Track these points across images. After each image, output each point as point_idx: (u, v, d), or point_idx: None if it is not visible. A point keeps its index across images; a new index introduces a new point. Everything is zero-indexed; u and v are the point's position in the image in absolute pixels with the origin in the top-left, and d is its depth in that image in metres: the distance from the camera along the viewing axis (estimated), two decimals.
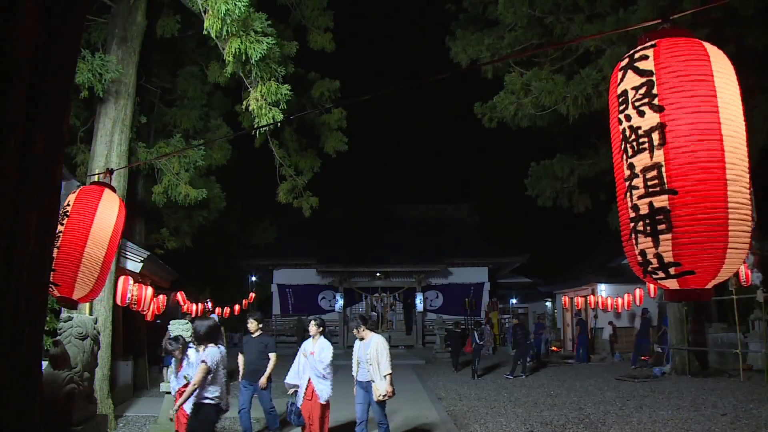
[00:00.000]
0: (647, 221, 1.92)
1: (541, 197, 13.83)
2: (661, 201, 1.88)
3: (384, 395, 5.80)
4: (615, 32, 8.72)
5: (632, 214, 1.98)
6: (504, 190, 31.38)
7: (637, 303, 15.54)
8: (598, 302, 17.11)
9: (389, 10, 50.94)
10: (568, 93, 10.29)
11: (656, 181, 1.89)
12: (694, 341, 13.89)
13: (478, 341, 14.26)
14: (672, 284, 1.94)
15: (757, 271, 11.24)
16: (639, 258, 1.98)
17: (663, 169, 1.88)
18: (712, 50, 1.95)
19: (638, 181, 1.95)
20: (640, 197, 1.94)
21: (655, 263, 1.92)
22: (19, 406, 1.66)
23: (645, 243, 1.94)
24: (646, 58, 1.97)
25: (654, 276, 1.96)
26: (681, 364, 13.54)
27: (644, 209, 1.93)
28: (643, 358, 15.44)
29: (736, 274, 11.75)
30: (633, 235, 1.99)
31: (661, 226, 1.88)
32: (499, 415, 8.67)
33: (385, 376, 5.81)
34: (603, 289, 18.56)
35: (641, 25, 2.19)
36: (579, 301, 20.44)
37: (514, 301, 26.65)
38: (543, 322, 20.59)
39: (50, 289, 3.35)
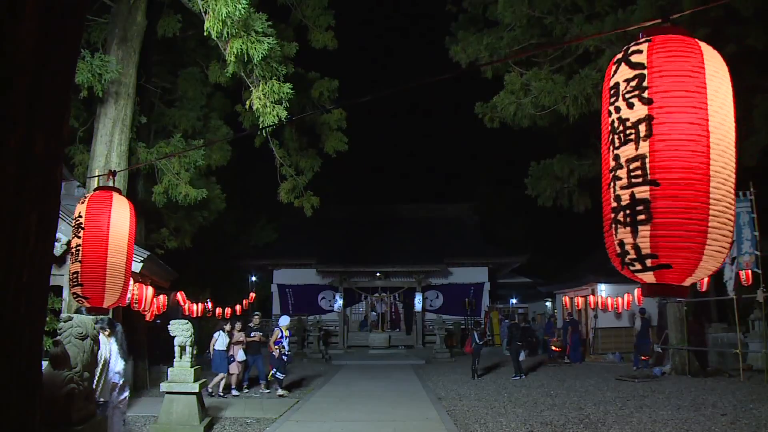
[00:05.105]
0: (627, 211, 1.92)
1: (541, 197, 13.83)
2: (643, 192, 1.89)
3: None
4: (614, 32, 8.73)
5: (614, 205, 1.99)
6: (504, 190, 31.36)
7: (638, 303, 15.52)
8: (598, 302, 17.08)
9: (389, 10, 50.84)
10: (567, 93, 10.29)
11: (639, 172, 1.90)
12: (694, 341, 13.88)
13: (478, 341, 14.24)
14: (648, 278, 1.94)
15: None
16: (617, 249, 1.97)
17: (647, 161, 1.88)
18: (707, 49, 1.96)
19: (622, 172, 1.95)
20: (622, 188, 1.95)
21: (632, 254, 1.92)
22: (19, 406, 1.66)
23: (624, 233, 1.94)
24: (640, 52, 1.98)
25: (631, 268, 1.96)
26: (681, 364, 13.53)
27: (626, 199, 1.93)
28: (643, 358, 15.43)
29: (737, 276, 11.76)
30: (613, 226, 1.99)
31: (641, 217, 1.88)
32: (499, 415, 8.67)
33: None
34: (603, 289, 18.54)
35: (640, 26, 2.19)
36: (579, 301, 20.42)
37: (514, 301, 26.63)
38: (553, 320, 20.89)
39: (81, 301, 3.44)
